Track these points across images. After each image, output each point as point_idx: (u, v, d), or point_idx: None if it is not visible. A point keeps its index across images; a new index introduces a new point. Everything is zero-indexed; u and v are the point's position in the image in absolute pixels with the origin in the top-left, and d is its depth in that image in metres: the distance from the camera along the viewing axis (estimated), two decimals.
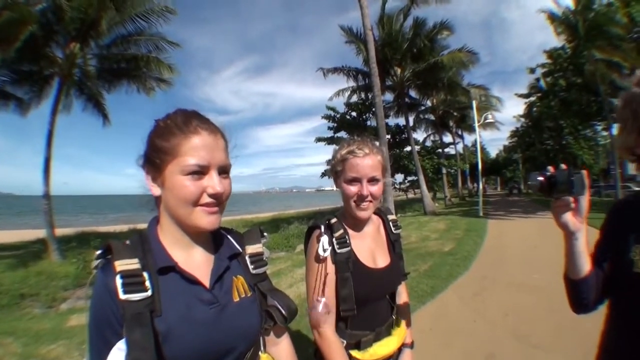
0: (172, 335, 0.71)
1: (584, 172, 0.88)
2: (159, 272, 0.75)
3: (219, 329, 0.78)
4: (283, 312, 0.93)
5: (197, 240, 0.86)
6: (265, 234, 1.03)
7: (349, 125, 20.39)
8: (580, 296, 0.98)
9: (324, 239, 1.19)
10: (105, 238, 9.97)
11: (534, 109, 26.73)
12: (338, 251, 1.20)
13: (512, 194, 43.49)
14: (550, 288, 4.83)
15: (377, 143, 1.33)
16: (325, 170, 21.17)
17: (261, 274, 0.95)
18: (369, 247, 1.32)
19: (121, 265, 0.70)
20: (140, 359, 0.64)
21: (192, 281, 0.79)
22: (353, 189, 1.23)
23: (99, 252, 0.73)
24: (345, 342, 1.22)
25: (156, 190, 0.80)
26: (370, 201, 1.23)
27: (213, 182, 0.78)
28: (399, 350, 1.36)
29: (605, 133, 22.98)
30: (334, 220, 1.27)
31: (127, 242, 0.77)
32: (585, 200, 0.90)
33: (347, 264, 1.21)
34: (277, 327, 0.97)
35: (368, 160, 1.21)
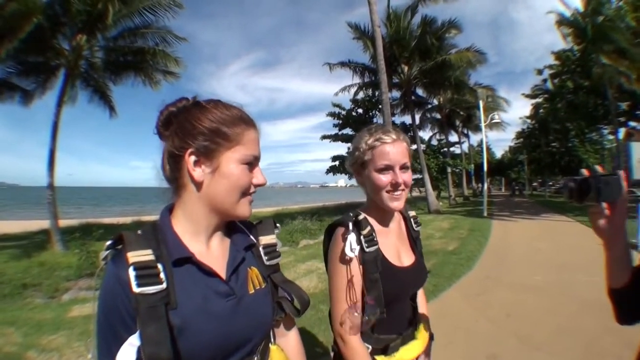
0: (188, 328, 0.69)
1: (621, 173, 0.81)
2: (174, 263, 0.72)
3: (235, 322, 0.77)
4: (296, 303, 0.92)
5: (216, 230, 0.84)
6: (277, 224, 1.01)
7: (354, 121, 20.32)
8: (622, 306, 0.90)
9: (352, 237, 1.08)
10: (109, 229, 10.00)
11: (541, 110, 26.55)
12: (367, 250, 1.10)
13: (514, 195, 43.05)
14: (552, 290, 4.82)
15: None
16: (330, 167, 21.12)
17: (274, 265, 0.94)
18: (395, 245, 1.24)
19: (134, 256, 0.67)
20: (156, 355, 0.61)
21: (209, 273, 0.77)
22: (385, 178, 1.13)
23: (109, 242, 0.70)
24: (370, 347, 1.14)
25: (199, 175, 0.76)
26: (404, 189, 1.15)
27: (260, 174, 0.83)
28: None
29: (611, 137, 22.76)
30: (361, 216, 1.15)
31: (139, 232, 0.74)
32: (622, 204, 0.83)
33: (376, 264, 1.11)
34: (288, 318, 0.97)
35: (398, 146, 1.13)
